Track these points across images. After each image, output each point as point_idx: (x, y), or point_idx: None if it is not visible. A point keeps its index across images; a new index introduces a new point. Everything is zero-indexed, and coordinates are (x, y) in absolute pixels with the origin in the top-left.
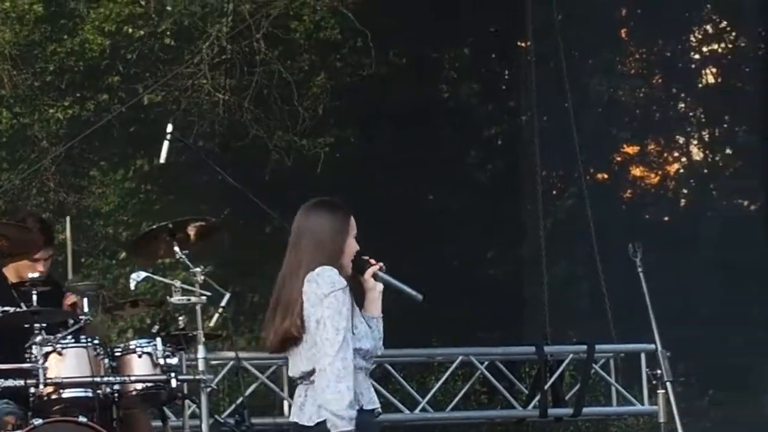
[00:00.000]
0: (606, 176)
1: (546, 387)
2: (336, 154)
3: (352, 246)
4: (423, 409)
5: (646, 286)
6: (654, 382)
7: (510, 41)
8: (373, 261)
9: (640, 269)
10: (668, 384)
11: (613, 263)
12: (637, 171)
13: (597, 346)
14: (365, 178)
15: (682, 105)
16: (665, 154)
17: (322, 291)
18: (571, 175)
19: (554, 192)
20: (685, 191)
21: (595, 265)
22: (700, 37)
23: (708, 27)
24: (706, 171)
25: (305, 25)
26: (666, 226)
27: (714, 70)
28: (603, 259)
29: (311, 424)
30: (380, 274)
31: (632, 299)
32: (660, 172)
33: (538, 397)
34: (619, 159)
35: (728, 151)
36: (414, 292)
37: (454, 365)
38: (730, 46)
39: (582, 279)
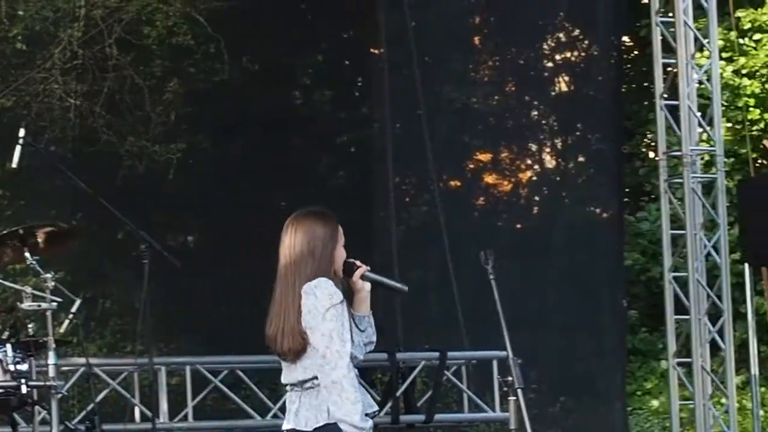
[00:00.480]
0: (459, 184)
1: (398, 394)
2: (189, 161)
3: (341, 253)
4: (274, 416)
5: (497, 294)
6: (505, 389)
7: (363, 48)
8: (359, 263)
9: (491, 277)
10: (519, 391)
11: (465, 270)
12: (490, 178)
13: (449, 353)
14: (218, 185)
15: (535, 113)
16: (518, 162)
17: (322, 305)
18: (424, 182)
19: (407, 199)
20: (537, 199)
21: (447, 272)
22: (553, 45)
23: (561, 35)
24: (558, 179)
25: (158, 31)
26: (519, 234)
27: (567, 78)
28: (456, 266)
29: (309, 429)
30: (368, 274)
31: (484, 306)
32: (513, 180)
33: (390, 404)
34: (472, 166)
35: (581, 158)
36: (399, 285)
37: None
38: (583, 54)
39: (435, 286)
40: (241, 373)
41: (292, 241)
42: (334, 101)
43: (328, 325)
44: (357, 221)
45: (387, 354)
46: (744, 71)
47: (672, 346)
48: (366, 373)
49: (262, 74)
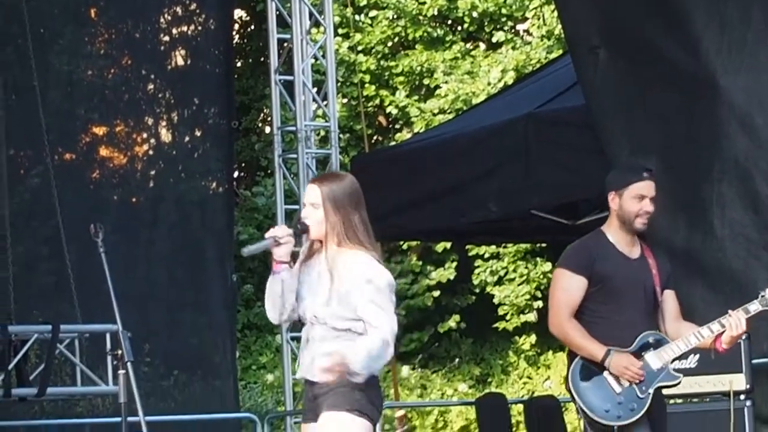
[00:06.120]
0: (73, 156)
1: (10, 367)
2: None
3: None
4: None
5: (108, 267)
6: (116, 362)
7: None
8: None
9: (102, 250)
10: (129, 364)
11: (78, 243)
12: (105, 152)
13: (62, 326)
14: None
15: (152, 86)
16: (134, 135)
17: None
18: (38, 155)
19: (21, 171)
20: (153, 173)
21: (61, 245)
22: (170, 18)
23: (178, 9)
24: (174, 153)
25: None
26: (134, 208)
27: (183, 52)
28: (69, 239)
29: None
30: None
31: (97, 279)
32: (128, 154)
33: (2, 378)
34: (87, 139)
35: (197, 132)
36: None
37: None
38: (199, 28)
39: (48, 259)
40: None
41: None
42: None
43: None
44: None
45: None
46: (360, 48)
47: None
48: None
49: None
